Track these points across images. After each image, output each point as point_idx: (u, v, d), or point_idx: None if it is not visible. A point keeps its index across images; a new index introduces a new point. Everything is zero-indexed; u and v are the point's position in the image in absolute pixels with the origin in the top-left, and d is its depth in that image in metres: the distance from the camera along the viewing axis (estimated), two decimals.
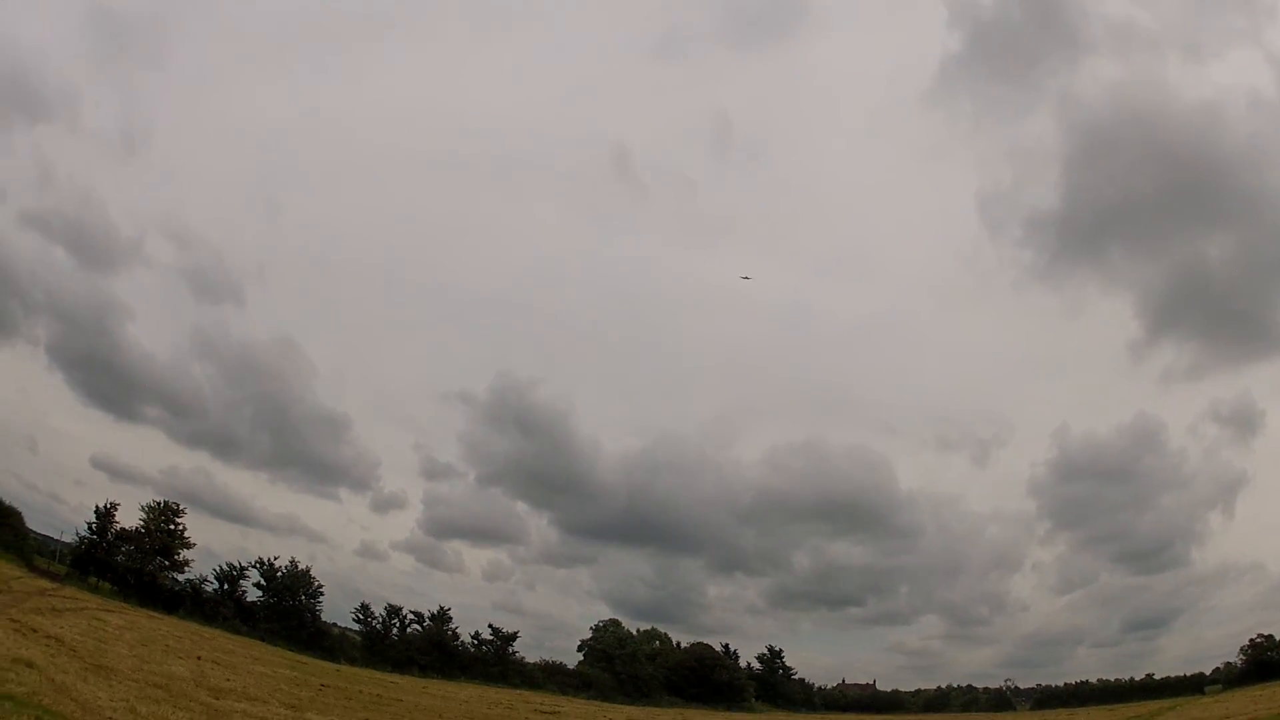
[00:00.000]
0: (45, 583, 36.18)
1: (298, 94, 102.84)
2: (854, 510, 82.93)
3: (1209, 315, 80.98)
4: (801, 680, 70.17)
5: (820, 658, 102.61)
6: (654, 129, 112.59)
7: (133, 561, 45.77)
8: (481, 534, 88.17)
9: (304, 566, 52.60)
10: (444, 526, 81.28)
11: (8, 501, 44.16)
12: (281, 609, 49.67)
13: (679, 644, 66.26)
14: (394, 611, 55.49)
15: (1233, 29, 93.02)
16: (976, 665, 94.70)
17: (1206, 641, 76.25)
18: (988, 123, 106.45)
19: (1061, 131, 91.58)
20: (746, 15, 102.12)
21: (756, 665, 66.70)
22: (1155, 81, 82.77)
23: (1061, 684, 69.58)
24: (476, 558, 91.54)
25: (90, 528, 46.45)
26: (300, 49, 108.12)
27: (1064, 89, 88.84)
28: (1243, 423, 77.04)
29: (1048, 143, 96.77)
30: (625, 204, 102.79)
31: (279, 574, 51.09)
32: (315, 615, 51.41)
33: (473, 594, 78.09)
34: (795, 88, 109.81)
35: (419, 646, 52.85)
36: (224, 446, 77.39)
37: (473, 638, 56.09)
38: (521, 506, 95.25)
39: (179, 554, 47.78)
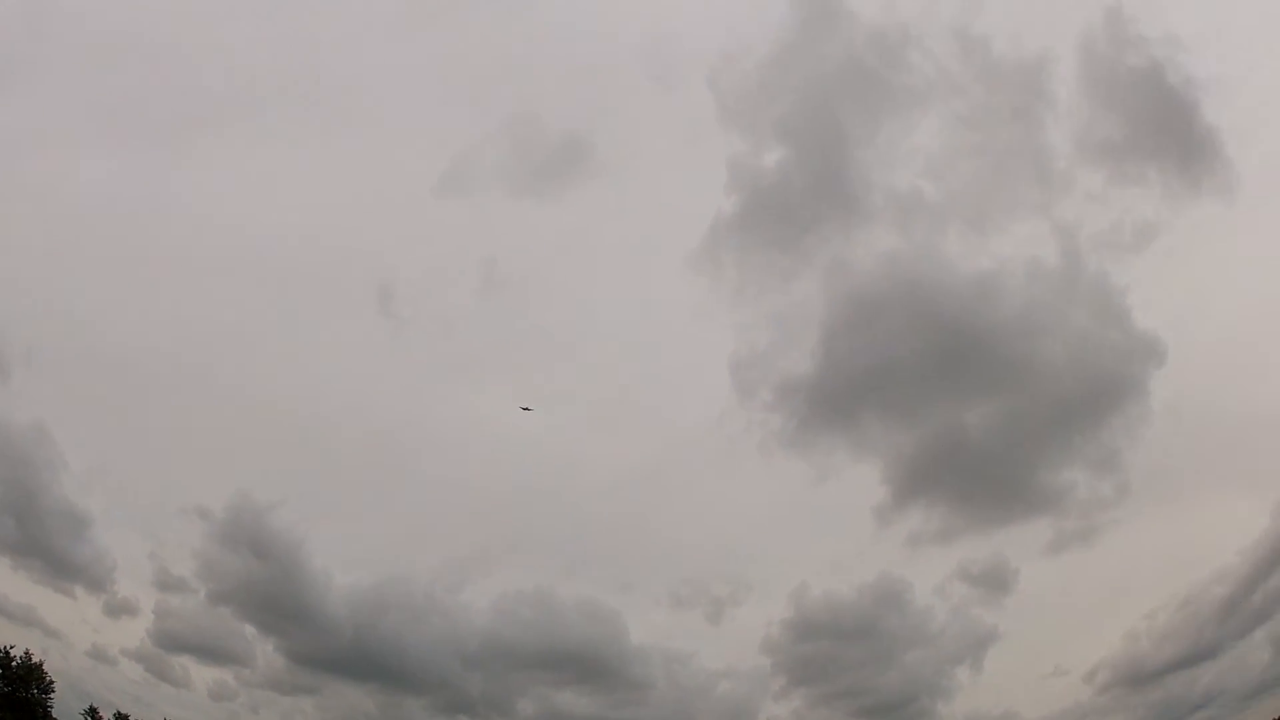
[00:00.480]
0: None
1: (100, 180, 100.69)
2: (582, 661, 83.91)
3: (962, 480, 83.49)
4: None
5: None
6: (424, 264, 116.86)
7: None
8: (209, 652, 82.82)
9: (38, 660, 51.00)
10: (173, 640, 76.77)
11: None
12: (15, 700, 47.55)
13: None
14: (121, 718, 54.19)
15: (1023, 201, 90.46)
16: None
17: None
18: (751, 288, 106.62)
19: (825, 298, 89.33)
20: (532, 162, 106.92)
21: None
22: (931, 252, 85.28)
23: None
24: (204, 675, 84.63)
25: None
26: (109, 132, 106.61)
27: (835, 256, 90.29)
28: (994, 582, 78.63)
29: (810, 309, 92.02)
30: (387, 336, 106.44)
31: (14, 663, 49.05)
32: (47, 711, 49.43)
33: (198, 711, 73.41)
34: (569, 238, 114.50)
35: None
36: None
37: None
38: (250, 629, 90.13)
39: None
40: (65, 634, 71.46)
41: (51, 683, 50.39)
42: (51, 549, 73.91)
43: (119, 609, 76.74)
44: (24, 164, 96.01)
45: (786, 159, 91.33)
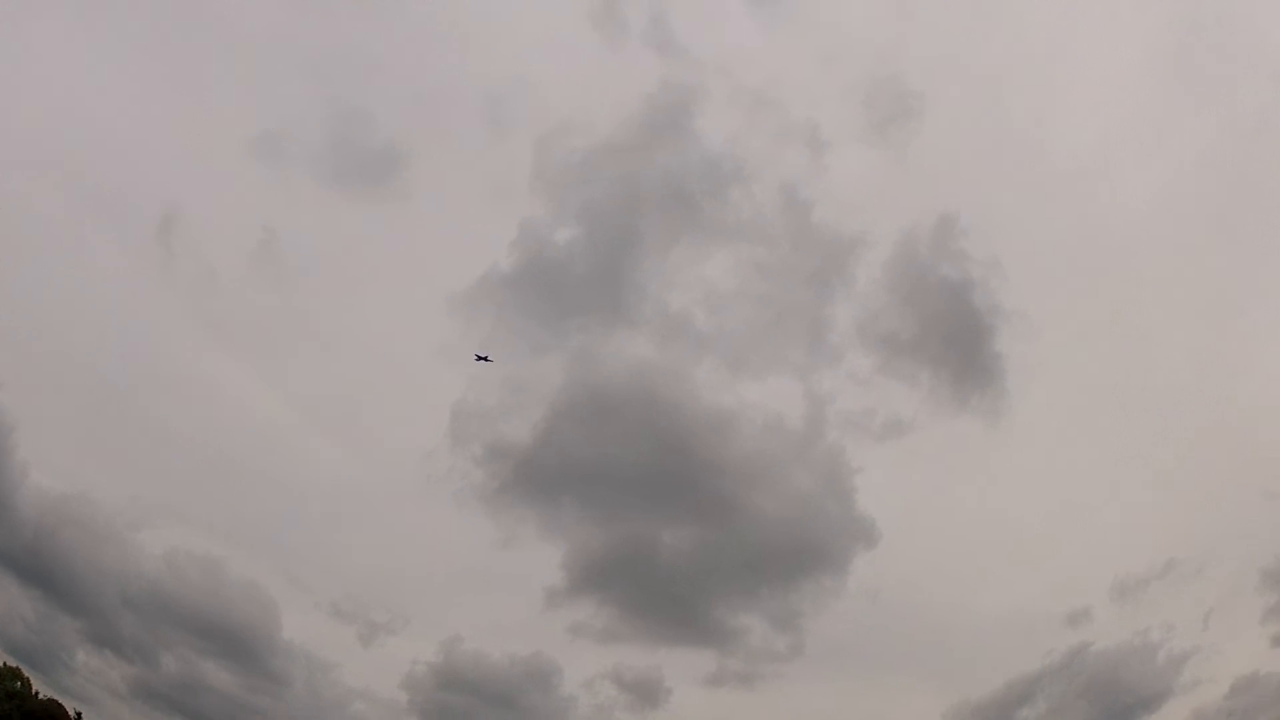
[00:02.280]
0: None
1: None
2: (232, 638, 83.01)
3: (640, 590, 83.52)
4: None
5: None
6: (212, 212, 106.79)
7: None
8: None
9: None
10: None
11: None
12: None
13: (38, 694, 66.71)
14: None
15: (786, 359, 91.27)
16: None
17: None
18: (498, 347, 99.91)
19: (565, 381, 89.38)
20: (348, 157, 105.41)
21: None
22: (680, 375, 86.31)
23: None
24: None
25: None
26: None
27: (587, 346, 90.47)
28: (644, 693, 78.74)
29: (547, 386, 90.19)
30: (154, 267, 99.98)
31: None
32: None
33: None
34: (355, 240, 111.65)
35: None
36: None
37: None
38: None
39: None
40: None
41: None
42: None
43: None
44: None
45: (576, 241, 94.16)
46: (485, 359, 64.68)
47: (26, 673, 67.00)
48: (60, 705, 67.10)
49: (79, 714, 68.21)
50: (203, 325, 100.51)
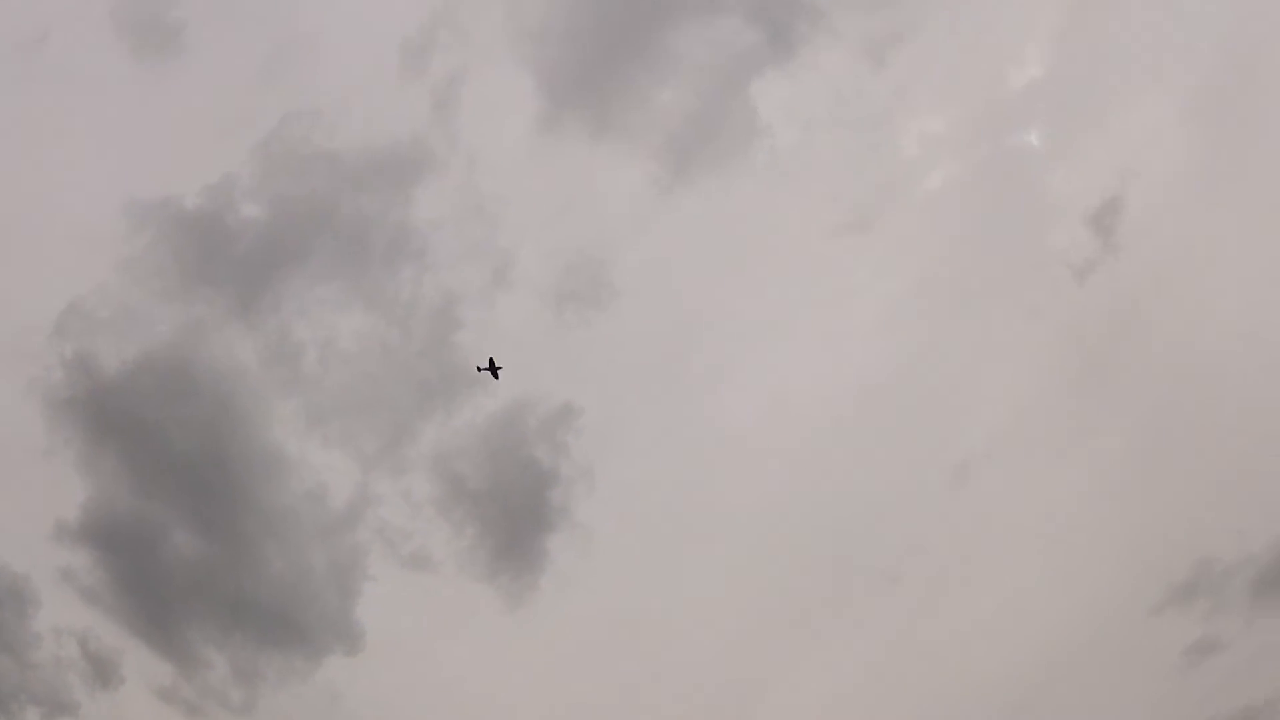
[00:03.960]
0: None
1: None
2: None
3: (135, 569, 72.24)
4: None
5: None
6: None
7: None
8: None
9: None
10: None
11: None
12: None
13: None
14: None
15: (359, 444, 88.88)
16: None
17: None
18: (137, 271, 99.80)
19: (171, 341, 74.30)
20: None
21: None
22: (268, 398, 75.12)
23: None
24: None
25: None
26: None
27: (205, 321, 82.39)
28: (101, 669, 52.60)
29: (155, 334, 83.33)
30: None
31: None
32: None
33: None
34: None
35: None
36: None
37: None
38: None
39: None
40: None
41: None
42: None
43: None
44: None
45: (258, 221, 72.14)
46: (493, 371, 55.13)
47: None
48: None
49: None
50: None
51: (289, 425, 73.39)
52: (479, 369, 53.78)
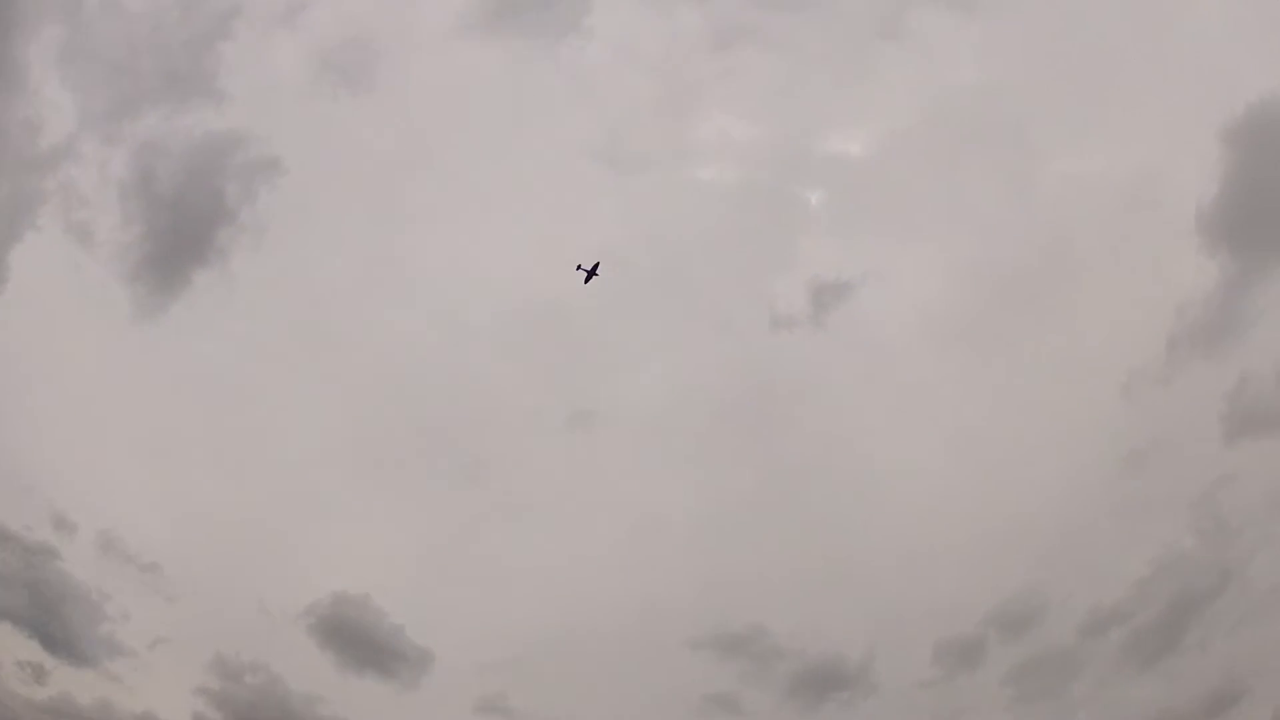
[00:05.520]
0: None
1: None
2: None
3: None
4: None
5: None
6: None
7: None
8: None
9: None
10: None
11: None
12: None
13: None
14: None
15: None
16: None
17: None
18: None
19: None
20: None
21: None
22: None
23: None
24: None
25: None
26: None
27: None
28: None
29: None
30: None
31: None
32: None
33: None
34: None
35: None
36: None
37: None
38: None
39: None
40: None
41: None
42: None
43: None
44: None
45: None
46: (592, 271, 52.06)
47: None
48: None
49: None
50: None
51: (44, 50, 70.39)
52: (579, 268, 50.79)
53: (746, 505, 53.71)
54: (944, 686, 48.81)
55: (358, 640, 46.53)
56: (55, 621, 44.09)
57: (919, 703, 48.99)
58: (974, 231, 62.32)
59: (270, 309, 55.30)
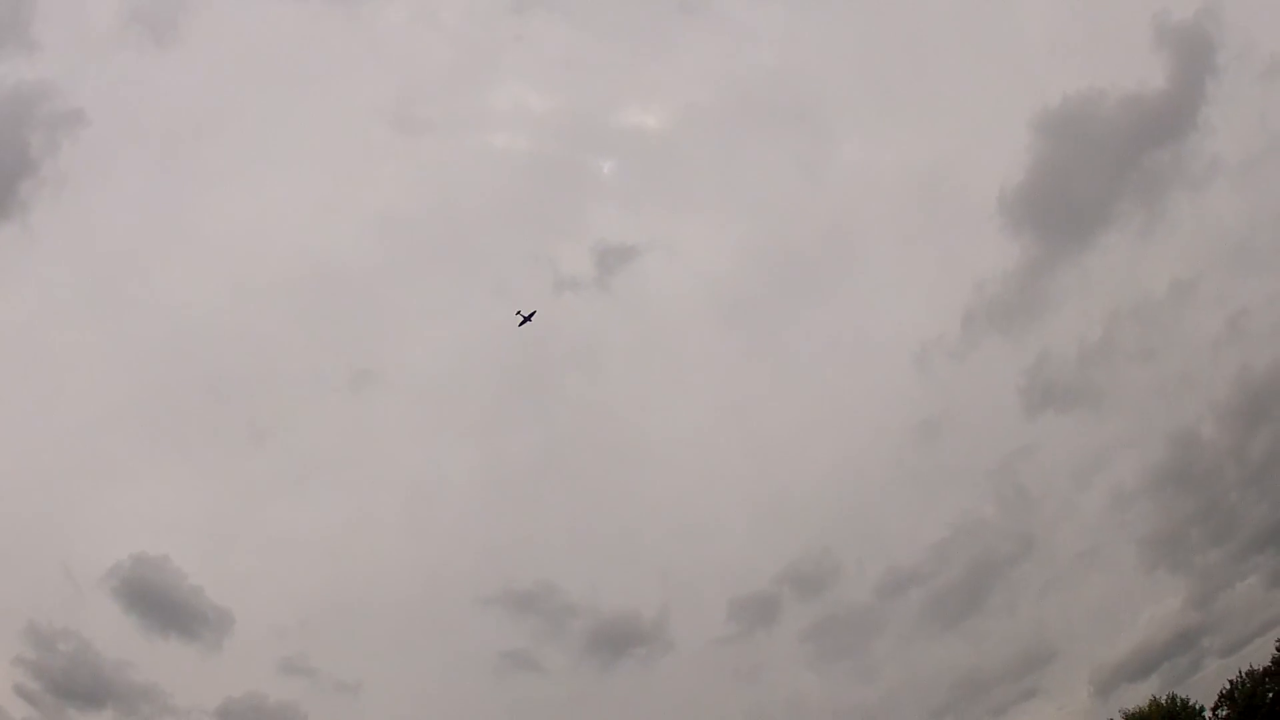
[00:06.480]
0: None
1: None
2: None
3: None
4: None
5: None
6: None
7: None
8: None
9: None
10: None
11: None
12: None
13: None
14: None
15: None
16: None
17: None
18: None
19: None
20: None
21: None
22: None
23: None
24: None
25: None
26: None
27: None
28: None
29: None
30: None
31: None
32: None
33: None
34: None
35: None
36: None
37: None
38: None
39: None
40: None
41: None
42: None
43: None
44: None
45: None
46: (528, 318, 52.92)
47: None
48: None
49: None
50: None
51: None
52: (518, 313, 49.99)
53: (528, 468, 55.90)
54: (742, 643, 50.39)
55: (161, 603, 47.13)
56: None
57: (718, 658, 50.55)
58: (763, 209, 64.44)
59: (66, 268, 54.36)
